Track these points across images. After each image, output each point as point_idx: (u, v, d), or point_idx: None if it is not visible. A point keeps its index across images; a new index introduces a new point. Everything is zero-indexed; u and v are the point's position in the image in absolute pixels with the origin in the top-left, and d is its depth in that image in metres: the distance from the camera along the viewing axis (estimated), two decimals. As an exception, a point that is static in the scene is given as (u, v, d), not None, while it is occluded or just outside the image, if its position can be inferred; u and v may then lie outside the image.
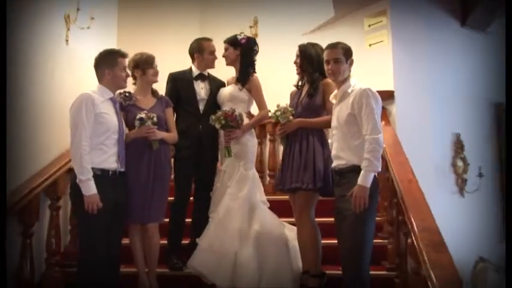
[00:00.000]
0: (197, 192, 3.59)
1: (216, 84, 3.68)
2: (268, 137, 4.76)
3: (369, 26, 4.35)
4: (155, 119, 3.17)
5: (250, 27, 5.66)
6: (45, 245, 3.35)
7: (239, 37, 3.62)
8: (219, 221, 3.23)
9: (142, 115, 3.14)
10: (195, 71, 3.64)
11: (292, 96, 3.38)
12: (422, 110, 4.33)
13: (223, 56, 3.64)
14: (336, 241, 2.79)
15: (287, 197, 3.29)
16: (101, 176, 2.85)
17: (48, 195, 3.37)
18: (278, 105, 3.23)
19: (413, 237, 2.30)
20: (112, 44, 4.43)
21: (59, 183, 3.42)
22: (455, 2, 4.84)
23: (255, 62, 3.61)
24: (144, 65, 3.30)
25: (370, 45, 4.26)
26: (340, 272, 2.99)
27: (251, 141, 3.50)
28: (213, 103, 3.60)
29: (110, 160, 2.94)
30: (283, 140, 3.24)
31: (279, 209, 3.46)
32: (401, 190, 2.74)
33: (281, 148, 3.74)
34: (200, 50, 3.61)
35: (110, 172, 2.94)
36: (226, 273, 3.04)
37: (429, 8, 4.53)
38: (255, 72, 3.60)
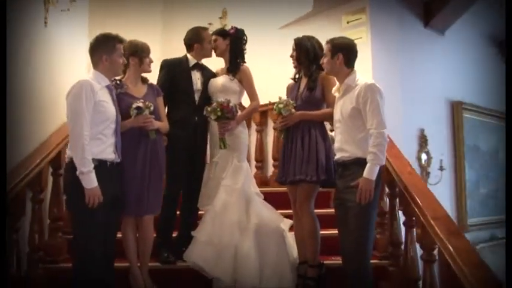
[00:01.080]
0: (188, 184, 3.52)
1: (209, 75, 3.62)
2: (272, 125, 4.72)
3: (348, 22, 4.46)
4: (152, 108, 3.07)
5: (220, 18, 5.63)
6: (28, 240, 3.13)
7: (227, 28, 3.61)
8: (216, 214, 3.19)
9: (140, 104, 3.03)
10: (192, 61, 3.56)
11: (290, 89, 3.40)
12: (396, 106, 4.50)
13: (212, 48, 3.60)
14: (330, 231, 2.85)
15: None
16: (98, 167, 2.70)
17: (30, 188, 3.14)
18: (280, 98, 3.24)
19: (428, 226, 2.40)
20: (84, 28, 4.22)
21: (42, 174, 3.21)
22: (420, 5, 5.10)
23: (245, 52, 3.59)
24: (142, 53, 3.18)
25: (348, 41, 4.37)
26: (336, 262, 3.10)
27: (243, 132, 3.49)
28: (207, 94, 3.55)
29: (107, 151, 2.81)
30: (282, 132, 3.25)
31: (278, 201, 3.48)
32: (404, 182, 2.85)
33: None
34: (200, 39, 3.54)
35: (108, 163, 2.80)
36: (227, 266, 3.01)
37: (400, 8, 4.73)
38: (245, 62, 3.59)
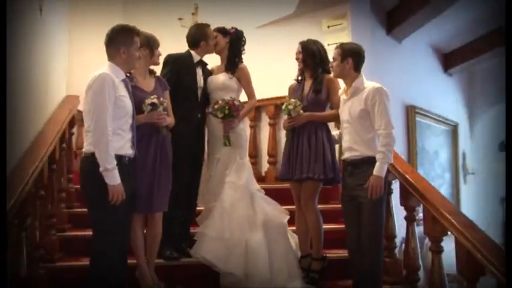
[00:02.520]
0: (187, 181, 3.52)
1: (208, 73, 3.65)
2: (268, 120, 4.81)
3: (328, 27, 4.67)
4: (165, 104, 3.06)
5: (192, 14, 5.60)
6: (30, 238, 2.97)
7: (227, 28, 3.66)
8: (224, 210, 3.24)
9: (155, 100, 3.01)
10: (196, 57, 3.56)
11: (292, 89, 3.52)
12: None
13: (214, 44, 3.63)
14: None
15: (282, 185, 3.44)
16: (118, 164, 2.66)
17: (34, 185, 2.98)
18: (288, 99, 3.35)
19: (442, 220, 2.65)
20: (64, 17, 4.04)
21: (43, 171, 3.07)
22: (383, 15, 5.46)
23: (243, 52, 3.66)
24: (153, 44, 3.15)
25: (328, 44, 4.58)
26: (337, 255, 3.30)
27: (244, 130, 3.58)
28: (206, 91, 3.58)
29: (126, 146, 2.76)
30: (289, 131, 3.37)
31: (273, 196, 3.58)
32: (409, 180, 3.09)
33: (282, 133, 4.05)
34: (206, 36, 3.55)
35: (126, 159, 2.76)
36: (239, 261, 3.08)
37: (370, 15, 5.02)
38: (242, 62, 3.65)
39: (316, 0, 4.57)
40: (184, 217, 3.47)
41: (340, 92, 3.25)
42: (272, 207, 3.41)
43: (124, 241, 2.80)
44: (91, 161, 2.61)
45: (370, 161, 2.97)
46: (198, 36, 3.57)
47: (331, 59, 3.25)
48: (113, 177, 2.59)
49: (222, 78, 3.55)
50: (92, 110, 2.62)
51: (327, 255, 3.35)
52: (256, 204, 3.34)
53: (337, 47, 3.19)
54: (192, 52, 3.58)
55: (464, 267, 2.48)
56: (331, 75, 3.29)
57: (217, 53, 3.66)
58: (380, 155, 2.94)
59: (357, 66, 3.14)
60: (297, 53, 3.45)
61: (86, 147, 2.70)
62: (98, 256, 2.67)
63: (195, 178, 3.51)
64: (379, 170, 2.92)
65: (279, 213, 3.42)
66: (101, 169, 2.57)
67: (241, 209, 3.24)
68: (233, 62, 3.58)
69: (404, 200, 3.18)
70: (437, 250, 2.79)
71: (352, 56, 3.12)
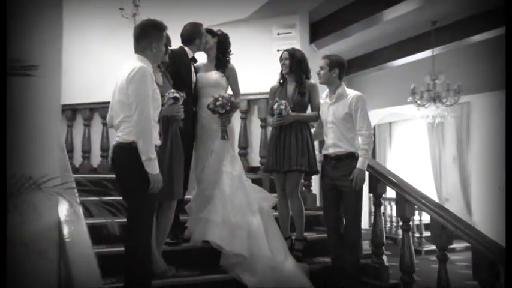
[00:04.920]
0: None
1: (195, 70, 3.87)
2: (240, 114, 4.97)
3: (278, 34, 5.17)
4: (184, 98, 3.26)
5: (137, 6, 5.59)
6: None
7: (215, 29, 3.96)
8: (224, 197, 3.54)
9: (176, 94, 3.19)
10: (189, 53, 3.75)
11: (274, 91, 3.94)
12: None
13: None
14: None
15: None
16: None
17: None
18: (271, 98, 3.79)
19: (415, 202, 3.37)
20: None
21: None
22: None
23: (231, 53, 3.97)
24: (168, 42, 3.29)
25: (278, 50, 5.07)
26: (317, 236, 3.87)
27: (233, 124, 3.90)
28: (196, 87, 3.81)
29: (157, 136, 2.93)
30: (275, 128, 3.80)
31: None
32: (378, 170, 3.77)
33: (253, 126, 4.60)
34: (201, 34, 3.76)
35: (157, 148, 2.92)
36: (243, 242, 3.40)
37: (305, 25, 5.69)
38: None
39: (269, 10, 5.03)
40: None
41: (323, 96, 3.79)
42: (262, 195, 3.81)
43: None
44: (130, 150, 2.73)
45: (352, 156, 3.58)
46: (193, 34, 3.78)
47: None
48: (155, 166, 2.74)
49: (215, 76, 3.82)
50: (136, 101, 2.72)
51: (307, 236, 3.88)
52: (250, 192, 3.70)
53: (324, 58, 3.72)
54: (186, 48, 3.78)
55: (438, 237, 3.22)
56: (318, 81, 3.80)
57: (206, 51, 3.92)
58: (362, 152, 3.55)
59: (341, 76, 3.71)
60: (283, 59, 3.88)
61: (123, 137, 2.80)
62: (136, 248, 2.77)
63: (186, 169, 3.72)
64: (362, 164, 3.54)
65: (268, 198, 3.83)
66: (143, 158, 2.70)
67: (241, 196, 3.58)
68: (223, 61, 3.87)
69: (373, 189, 3.84)
70: (406, 229, 3.51)
71: (339, 66, 3.68)
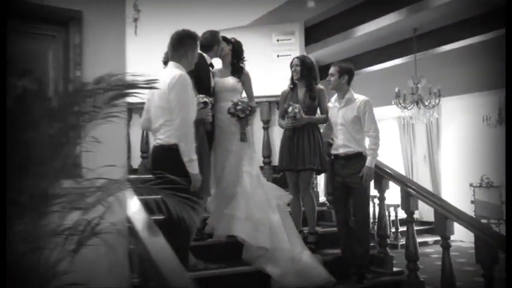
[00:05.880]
0: None
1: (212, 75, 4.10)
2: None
3: (277, 40, 5.45)
4: (213, 102, 3.49)
5: (138, 10, 5.72)
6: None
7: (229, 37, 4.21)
8: (247, 195, 3.79)
9: (206, 99, 3.43)
10: (208, 59, 3.97)
11: (285, 95, 4.23)
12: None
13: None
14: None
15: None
16: None
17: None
18: (282, 102, 4.09)
19: (437, 207, 3.71)
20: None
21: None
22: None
23: (245, 60, 4.22)
24: None
25: (278, 56, 5.36)
26: (324, 230, 4.18)
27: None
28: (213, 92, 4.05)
29: None
30: (288, 130, 4.09)
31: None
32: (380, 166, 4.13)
33: (255, 128, 4.84)
34: (218, 41, 3.99)
35: None
36: (265, 236, 3.66)
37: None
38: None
39: (269, 18, 5.31)
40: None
41: (332, 100, 4.11)
42: (278, 192, 4.08)
43: None
44: (170, 151, 2.96)
45: (360, 155, 3.92)
46: (212, 42, 4.00)
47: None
48: (196, 166, 2.99)
49: (231, 81, 4.07)
50: (179, 107, 2.97)
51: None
52: (268, 190, 3.97)
53: (334, 65, 4.04)
54: (205, 55, 4.01)
55: (441, 228, 3.61)
56: (330, 87, 4.10)
57: (221, 57, 4.16)
58: (370, 151, 3.89)
59: (350, 82, 4.04)
60: (294, 65, 4.17)
61: (164, 139, 3.02)
62: (177, 249, 2.95)
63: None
64: (370, 162, 3.87)
65: (284, 195, 4.10)
66: (185, 159, 2.94)
67: (261, 194, 3.84)
68: (238, 67, 4.13)
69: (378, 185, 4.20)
70: (411, 221, 3.89)
71: (348, 73, 4.01)
